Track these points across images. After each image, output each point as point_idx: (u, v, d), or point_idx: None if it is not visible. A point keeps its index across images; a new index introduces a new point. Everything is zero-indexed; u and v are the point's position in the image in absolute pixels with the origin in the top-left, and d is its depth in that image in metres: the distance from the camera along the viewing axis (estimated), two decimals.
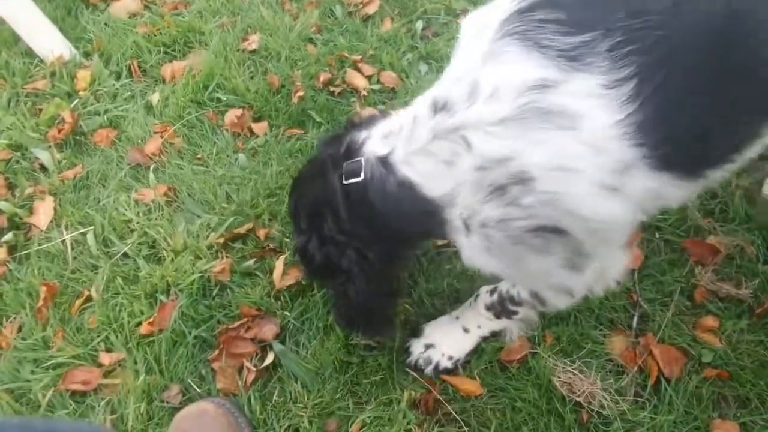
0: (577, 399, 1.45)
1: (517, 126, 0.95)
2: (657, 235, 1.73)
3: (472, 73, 1.00)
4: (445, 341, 1.54)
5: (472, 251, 1.13)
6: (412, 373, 1.54)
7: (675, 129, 0.97)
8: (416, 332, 1.59)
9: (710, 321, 1.58)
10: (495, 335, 1.55)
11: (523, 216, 1.01)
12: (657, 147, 0.95)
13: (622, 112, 0.92)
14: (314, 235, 1.26)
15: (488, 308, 1.47)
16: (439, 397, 1.50)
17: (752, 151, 1.12)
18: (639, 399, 1.47)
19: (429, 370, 1.54)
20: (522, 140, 0.95)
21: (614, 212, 1.00)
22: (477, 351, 1.56)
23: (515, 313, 1.43)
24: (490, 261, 1.14)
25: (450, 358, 1.54)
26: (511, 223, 1.03)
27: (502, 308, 1.44)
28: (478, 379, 1.52)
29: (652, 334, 1.57)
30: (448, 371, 1.54)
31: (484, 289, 1.50)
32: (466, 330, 1.54)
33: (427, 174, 1.10)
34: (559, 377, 1.49)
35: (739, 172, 1.79)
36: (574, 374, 1.49)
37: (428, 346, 1.55)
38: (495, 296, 1.45)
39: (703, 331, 1.57)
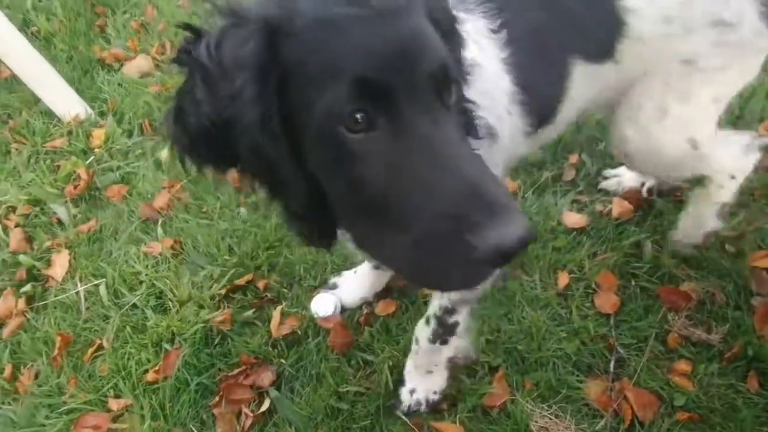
0: None
1: None
2: (633, 282, 1.83)
3: None
4: (422, 384, 1.64)
5: None
6: (404, 418, 1.63)
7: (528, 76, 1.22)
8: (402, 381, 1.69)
9: (683, 365, 1.66)
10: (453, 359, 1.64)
11: None
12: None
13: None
14: None
15: (432, 340, 1.53)
16: None
17: (573, 105, 1.37)
18: None
19: (423, 409, 1.63)
20: None
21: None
22: (461, 396, 1.65)
23: (456, 323, 1.50)
24: None
25: (435, 393, 1.64)
26: None
27: (444, 329, 1.50)
28: (461, 425, 1.60)
29: (628, 378, 1.65)
30: (438, 402, 1.64)
31: (419, 326, 1.57)
32: (429, 372, 1.63)
33: None
34: (536, 422, 1.57)
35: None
36: (551, 419, 1.58)
37: (413, 391, 1.64)
38: (432, 322, 1.51)
39: (676, 375, 1.64)
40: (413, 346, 1.63)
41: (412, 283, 0.85)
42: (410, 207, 0.79)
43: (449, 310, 1.47)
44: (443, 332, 1.51)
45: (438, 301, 1.47)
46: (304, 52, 0.82)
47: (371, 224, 0.86)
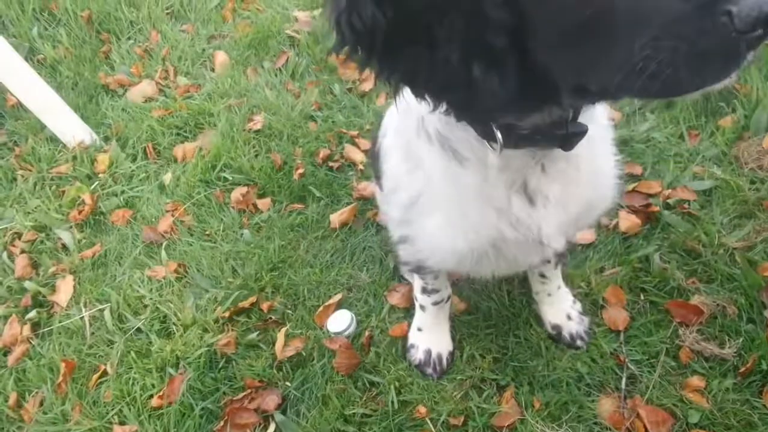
0: None
1: None
2: (642, 297, 1.80)
3: None
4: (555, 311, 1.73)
5: None
6: None
7: None
8: None
9: (696, 381, 1.62)
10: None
11: None
12: None
13: None
14: None
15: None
16: None
17: None
18: None
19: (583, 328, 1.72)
20: None
21: None
22: (470, 416, 1.62)
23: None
24: None
25: (572, 306, 1.73)
26: None
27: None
28: None
29: (640, 395, 1.62)
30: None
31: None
32: (550, 294, 1.71)
33: None
34: None
35: (724, 230, 1.87)
36: None
37: (556, 326, 1.73)
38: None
39: (689, 391, 1.60)
40: (538, 289, 1.73)
41: (659, 95, 0.70)
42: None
43: None
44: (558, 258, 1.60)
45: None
46: None
47: (592, 53, 0.72)
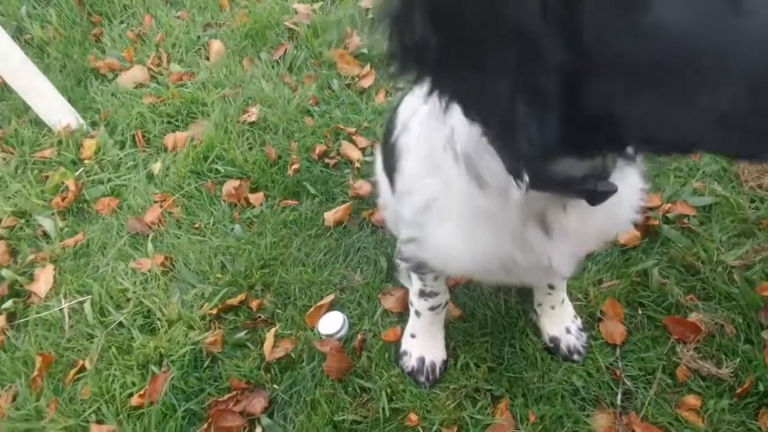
0: None
1: None
2: (640, 312, 1.77)
3: None
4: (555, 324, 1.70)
5: None
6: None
7: None
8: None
9: (692, 400, 1.60)
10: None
11: None
12: None
13: None
14: None
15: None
16: None
17: None
18: None
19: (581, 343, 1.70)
20: None
21: None
22: (464, 427, 1.58)
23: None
24: None
25: (573, 320, 1.71)
26: None
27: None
28: None
29: (635, 412, 1.59)
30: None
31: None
32: (553, 307, 1.68)
33: None
34: None
35: (723, 248, 1.85)
36: None
37: (554, 339, 1.69)
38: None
39: (685, 410, 1.58)
40: (542, 301, 1.71)
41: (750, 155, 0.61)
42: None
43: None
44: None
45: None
46: None
47: (675, 101, 0.61)
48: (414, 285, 1.56)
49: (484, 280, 1.31)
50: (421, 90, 0.77)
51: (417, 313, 1.65)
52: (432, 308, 1.60)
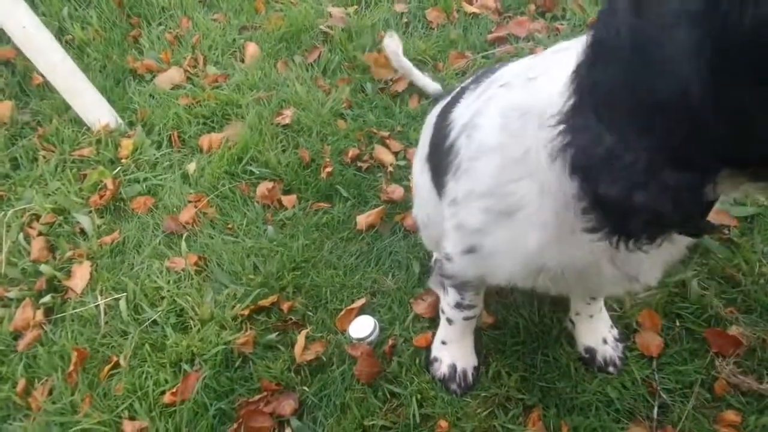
0: None
1: None
2: (677, 323, 1.73)
3: None
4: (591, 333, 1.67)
5: None
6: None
7: None
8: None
9: (732, 415, 1.55)
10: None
11: None
12: None
13: None
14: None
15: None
16: None
17: None
18: None
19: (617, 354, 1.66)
20: None
21: None
22: None
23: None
24: None
25: (610, 330, 1.68)
26: None
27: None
28: None
29: (672, 426, 1.55)
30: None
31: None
32: (591, 316, 1.65)
33: None
34: None
35: (765, 259, 1.80)
36: None
37: (589, 350, 1.66)
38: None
39: (724, 426, 1.54)
40: (579, 310, 1.67)
41: None
42: None
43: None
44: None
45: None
46: None
47: None
48: (450, 296, 1.52)
49: (541, 288, 1.24)
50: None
51: (449, 321, 1.63)
52: (466, 318, 1.58)
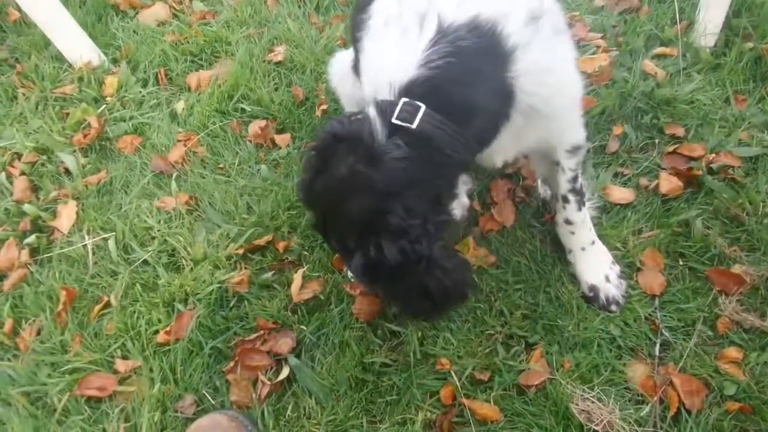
0: (596, 428, 1.42)
1: None
2: (681, 262, 1.70)
3: None
4: (600, 266, 1.67)
5: None
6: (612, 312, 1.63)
7: None
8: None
9: (733, 352, 1.54)
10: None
11: None
12: None
13: None
14: (376, 241, 1.13)
15: (579, 209, 1.61)
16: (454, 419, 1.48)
17: None
18: (658, 431, 1.44)
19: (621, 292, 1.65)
20: None
21: None
22: (495, 371, 1.54)
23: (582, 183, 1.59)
24: None
25: (611, 267, 1.67)
26: None
27: (579, 194, 1.59)
28: (495, 404, 1.49)
29: (674, 363, 1.54)
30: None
31: (562, 216, 1.64)
32: (583, 249, 1.66)
33: None
34: (577, 405, 1.46)
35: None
36: (593, 402, 1.46)
37: (607, 277, 1.65)
38: (570, 198, 1.59)
39: (726, 362, 1.53)
40: (570, 245, 1.69)
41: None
42: None
43: (575, 178, 1.56)
44: (580, 197, 1.60)
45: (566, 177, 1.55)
46: None
47: None
48: None
49: None
50: None
51: None
52: None
